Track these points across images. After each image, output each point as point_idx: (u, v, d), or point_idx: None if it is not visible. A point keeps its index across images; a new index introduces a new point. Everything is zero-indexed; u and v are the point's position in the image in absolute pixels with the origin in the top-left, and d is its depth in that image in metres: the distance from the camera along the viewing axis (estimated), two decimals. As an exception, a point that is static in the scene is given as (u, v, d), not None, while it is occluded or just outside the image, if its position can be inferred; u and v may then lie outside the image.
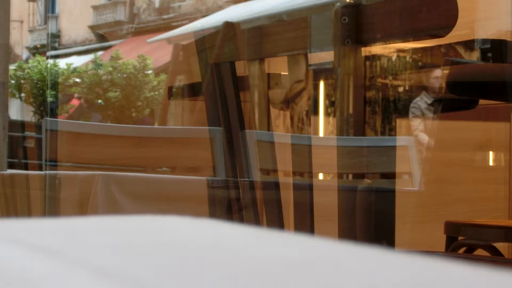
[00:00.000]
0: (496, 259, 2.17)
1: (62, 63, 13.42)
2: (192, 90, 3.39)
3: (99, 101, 12.23)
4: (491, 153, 3.55)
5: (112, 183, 2.32)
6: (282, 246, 0.48)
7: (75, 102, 13.20)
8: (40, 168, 3.13)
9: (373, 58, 3.06)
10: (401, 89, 3.14)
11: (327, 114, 4.35)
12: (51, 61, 12.65)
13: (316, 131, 3.95)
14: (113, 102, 11.84)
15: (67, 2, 17.21)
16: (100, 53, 14.31)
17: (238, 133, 2.33)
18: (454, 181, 3.43)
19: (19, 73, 12.63)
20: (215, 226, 0.56)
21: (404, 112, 3.11)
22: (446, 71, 2.15)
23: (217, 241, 0.50)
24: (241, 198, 2.30)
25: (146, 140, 2.60)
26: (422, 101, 3.83)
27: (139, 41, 14.07)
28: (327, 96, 4.17)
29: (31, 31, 17.79)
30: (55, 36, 16.69)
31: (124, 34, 15.80)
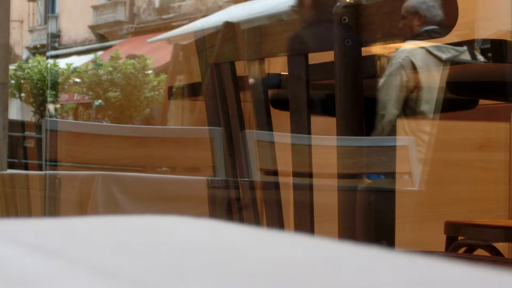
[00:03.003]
0: (496, 259, 2.17)
1: (62, 63, 13.42)
2: (192, 90, 3.39)
3: (100, 101, 12.22)
4: (491, 153, 3.55)
5: (112, 183, 2.32)
6: (282, 246, 0.48)
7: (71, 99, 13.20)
8: (40, 168, 3.13)
9: (373, 58, 3.05)
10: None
11: (327, 114, 4.34)
12: (51, 61, 12.64)
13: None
14: (113, 102, 11.83)
15: (67, 2, 17.20)
16: (100, 53, 14.31)
17: (238, 133, 2.34)
18: (454, 181, 3.43)
19: (19, 73, 12.63)
20: (215, 226, 0.56)
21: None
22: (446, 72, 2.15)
23: (217, 241, 0.50)
24: (241, 198, 2.30)
25: (146, 140, 2.60)
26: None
27: (139, 41, 14.07)
28: (327, 96, 4.16)
29: (31, 31, 17.78)
30: (55, 36, 16.68)
31: (124, 34, 15.80)
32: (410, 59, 2.92)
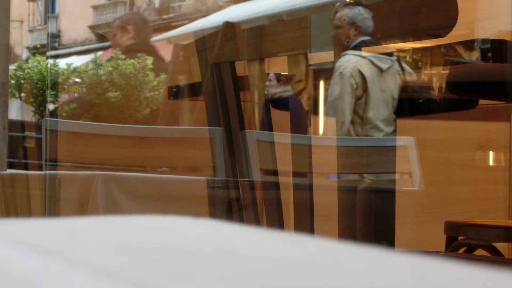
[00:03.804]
0: (496, 259, 2.17)
1: (62, 63, 13.40)
2: (192, 90, 3.39)
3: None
4: (491, 153, 3.55)
5: (112, 183, 2.32)
6: (282, 246, 0.48)
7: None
8: (40, 168, 3.13)
9: (373, 58, 3.06)
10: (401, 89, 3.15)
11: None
12: (51, 61, 12.62)
13: (316, 131, 3.95)
14: (113, 102, 11.82)
15: (67, 2, 17.19)
16: (100, 53, 14.29)
17: (238, 133, 2.34)
18: (454, 181, 3.43)
19: (19, 73, 12.61)
20: (215, 226, 0.56)
21: (404, 112, 3.12)
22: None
23: (217, 241, 0.50)
24: (241, 198, 2.30)
25: (146, 140, 2.60)
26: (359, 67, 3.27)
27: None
28: (327, 96, 4.17)
29: (31, 31, 17.78)
30: (55, 36, 16.67)
31: (124, 34, 15.77)
32: (357, 68, 3.13)
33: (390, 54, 3.12)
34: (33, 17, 17.87)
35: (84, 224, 0.56)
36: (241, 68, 2.42)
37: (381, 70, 3.11)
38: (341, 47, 3.08)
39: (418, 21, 2.06)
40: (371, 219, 2.08)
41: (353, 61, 3.13)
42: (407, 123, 3.32)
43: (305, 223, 2.13)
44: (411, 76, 3.14)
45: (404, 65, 3.13)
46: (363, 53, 3.15)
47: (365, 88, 3.10)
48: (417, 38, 2.81)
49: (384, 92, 3.13)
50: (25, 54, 17.29)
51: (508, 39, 2.71)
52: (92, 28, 16.63)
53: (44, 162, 2.59)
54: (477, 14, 3.50)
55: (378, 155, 2.34)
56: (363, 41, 3.13)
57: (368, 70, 3.11)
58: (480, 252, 2.41)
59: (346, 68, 3.10)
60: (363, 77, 3.10)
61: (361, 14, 3.11)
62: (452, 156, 3.47)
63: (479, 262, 0.69)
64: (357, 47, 3.17)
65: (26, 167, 5.85)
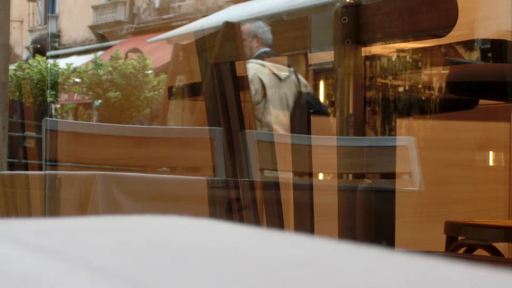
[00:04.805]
0: (496, 259, 2.17)
1: (62, 63, 13.41)
2: (192, 90, 3.40)
3: (100, 101, 12.22)
4: (491, 153, 3.55)
5: (112, 183, 2.32)
6: (282, 246, 0.48)
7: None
8: (40, 168, 3.13)
9: (373, 58, 3.06)
10: (401, 89, 3.15)
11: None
12: (51, 61, 12.63)
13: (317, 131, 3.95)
14: (113, 102, 11.82)
15: (67, 2, 17.19)
16: (100, 53, 14.29)
17: (238, 133, 2.34)
18: (454, 181, 3.43)
19: (19, 73, 12.61)
20: (215, 226, 0.56)
21: (404, 112, 3.13)
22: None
23: (217, 241, 0.50)
24: (241, 198, 2.30)
25: (146, 140, 2.59)
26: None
27: (139, 41, 14.06)
28: (327, 96, 4.17)
29: (31, 31, 17.78)
30: (55, 36, 16.67)
31: (124, 34, 15.79)
32: (258, 76, 3.40)
33: (288, 66, 3.43)
34: (33, 17, 17.87)
35: (84, 224, 0.56)
36: (241, 68, 2.42)
37: (279, 79, 3.37)
38: (245, 58, 3.35)
39: (418, 21, 2.06)
40: (371, 219, 2.08)
41: (254, 69, 3.42)
42: (407, 123, 3.32)
43: (305, 223, 2.13)
44: (306, 88, 3.43)
45: (300, 77, 3.46)
46: (263, 62, 3.43)
47: (264, 94, 3.35)
48: (417, 38, 2.82)
49: (282, 99, 3.38)
50: (25, 54, 17.29)
51: (508, 39, 2.71)
52: (92, 28, 16.64)
53: (44, 162, 2.59)
54: (477, 14, 3.50)
55: (378, 155, 2.34)
56: (264, 52, 3.41)
57: (267, 78, 3.38)
58: (480, 252, 2.41)
59: (248, 75, 3.36)
60: (262, 83, 3.35)
61: (262, 27, 3.42)
62: (452, 156, 3.47)
63: (479, 262, 0.69)
64: (259, 57, 3.46)
65: (26, 167, 5.85)
